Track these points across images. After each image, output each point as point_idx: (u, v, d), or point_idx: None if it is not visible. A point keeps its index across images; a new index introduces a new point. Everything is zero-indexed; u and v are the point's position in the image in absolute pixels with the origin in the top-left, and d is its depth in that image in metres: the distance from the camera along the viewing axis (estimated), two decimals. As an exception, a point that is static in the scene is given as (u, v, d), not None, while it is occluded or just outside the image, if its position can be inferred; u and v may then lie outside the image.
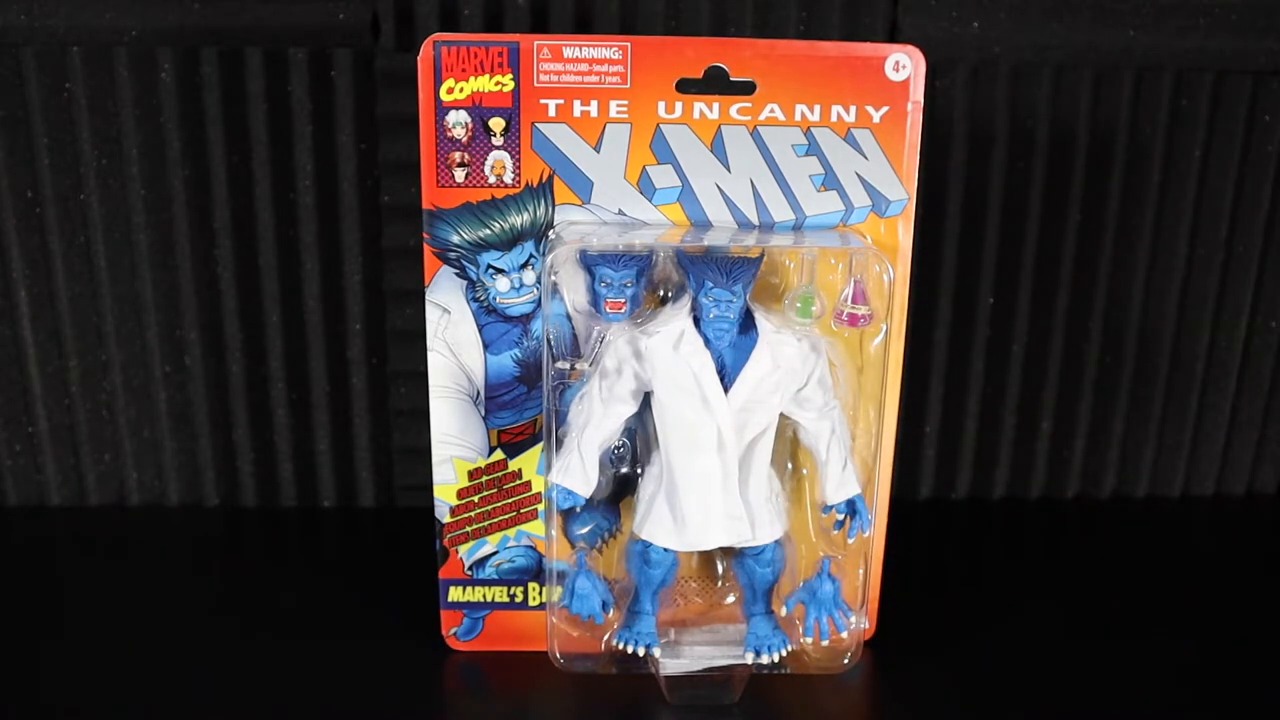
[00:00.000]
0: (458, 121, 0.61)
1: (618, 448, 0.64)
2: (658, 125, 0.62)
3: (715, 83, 0.62)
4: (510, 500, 0.67)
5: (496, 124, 0.61)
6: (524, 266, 0.63)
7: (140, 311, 0.83)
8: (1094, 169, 0.84)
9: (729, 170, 0.63)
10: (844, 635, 0.65)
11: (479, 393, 0.65)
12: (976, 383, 0.88)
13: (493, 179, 0.62)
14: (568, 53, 0.61)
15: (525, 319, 0.64)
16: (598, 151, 0.62)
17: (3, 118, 0.78)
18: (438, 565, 0.68)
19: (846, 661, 0.66)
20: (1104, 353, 0.89)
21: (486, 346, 0.64)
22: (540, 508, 0.66)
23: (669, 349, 0.60)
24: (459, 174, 0.62)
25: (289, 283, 0.82)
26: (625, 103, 0.61)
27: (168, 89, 0.78)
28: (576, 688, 0.65)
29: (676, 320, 0.60)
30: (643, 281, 0.61)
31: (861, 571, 0.66)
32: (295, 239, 0.82)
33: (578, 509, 0.64)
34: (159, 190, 0.80)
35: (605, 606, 0.64)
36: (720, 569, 0.66)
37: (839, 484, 0.63)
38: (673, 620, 0.65)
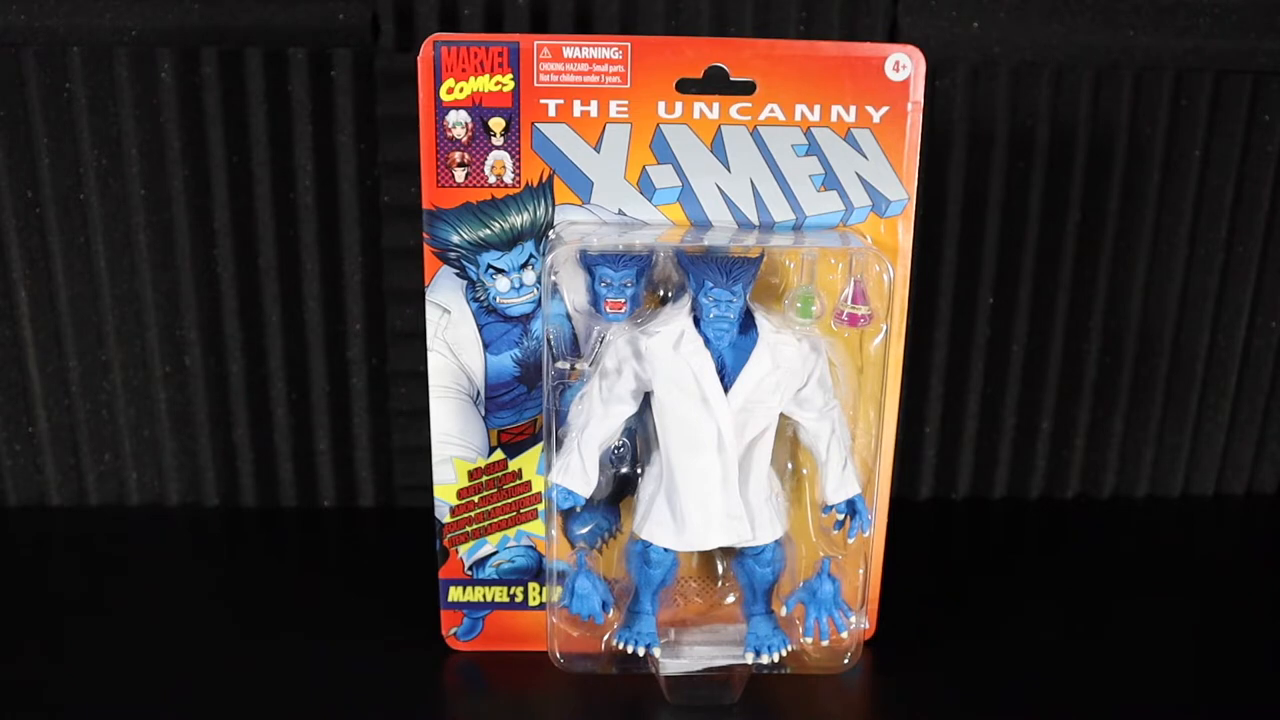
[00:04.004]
0: (458, 121, 0.61)
1: (618, 448, 0.64)
2: (658, 125, 0.62)
3: (715, 83, 0.61)
4: (510, 500, 0.67)
5: (496, 124, 0.61)
6: (524, 266, 0.63)
7: (140, 311, 0.83)
8: (1094, 169, 0.84)
9: (729, 170, 0.62)
10: (844, 635, 0.65)
11: (479, 393, 0.65)
12: (976, 383, 0.88)
13: (493, 179, 0.62)
14: (568, 53, 0.61)
15: (525, 319, 0.64)
16: (598, 151, 0.62)
17: (3, 118, 0.78)
18: (438, 565, 0.68)
19: (846, 661, 0.66)
20: (1104, 353, 0.89)
21: (486, 346, 0.64)
22: (540, 508, 0.66)
23: (669, 349, 0.60)
24: (459, 174, 0.62)
25: (289, 283, 0.82)
26: (625, 103, 0.61)
27: (168, 89, 0.78)
28: (576, 688, 0.65)
29: (676, 320, 0.60)
30: (643, 281, 0.61)
31: (861, 571, 0.66)
32: (295, 239, 0.81)
33: (578, 509, 0.64)
34: (159, 190, 0.80)
35: (605, 606, 0.64)
36: (720, 569, 0.66)
37: (839, 484, 0.63)
38: (673, 620, 0.65)
